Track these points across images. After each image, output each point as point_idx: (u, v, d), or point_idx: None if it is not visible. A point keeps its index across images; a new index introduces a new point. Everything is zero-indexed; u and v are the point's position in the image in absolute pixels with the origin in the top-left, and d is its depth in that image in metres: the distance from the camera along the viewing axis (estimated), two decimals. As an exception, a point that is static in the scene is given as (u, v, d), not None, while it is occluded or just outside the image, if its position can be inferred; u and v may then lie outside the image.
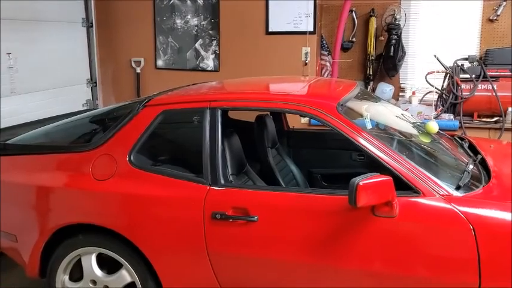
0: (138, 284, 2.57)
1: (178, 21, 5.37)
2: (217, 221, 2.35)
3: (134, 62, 5.56)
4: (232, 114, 3.52)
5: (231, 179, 2.57)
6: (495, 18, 5.16)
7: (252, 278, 2.42)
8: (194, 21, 5.32)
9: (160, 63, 5.51)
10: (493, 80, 4.80)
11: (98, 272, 2.65)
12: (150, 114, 2.60)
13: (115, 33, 5.56)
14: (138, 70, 5.55)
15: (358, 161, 3.54)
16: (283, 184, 2.97)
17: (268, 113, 3.27)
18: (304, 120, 4.77)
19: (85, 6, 5.26)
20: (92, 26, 5.31)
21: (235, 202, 2.36)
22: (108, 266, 2.67)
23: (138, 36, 5.50)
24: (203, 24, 5.29)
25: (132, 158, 2.55)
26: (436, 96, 5.08)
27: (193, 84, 3.24)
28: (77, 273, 2.73)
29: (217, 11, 5.20)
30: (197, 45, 5.34)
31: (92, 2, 5.26)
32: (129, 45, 5.55)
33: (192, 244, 2.42)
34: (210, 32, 5.28)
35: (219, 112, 2.50)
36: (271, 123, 3.21)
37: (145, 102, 2.68)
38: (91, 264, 2.64)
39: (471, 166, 2.46)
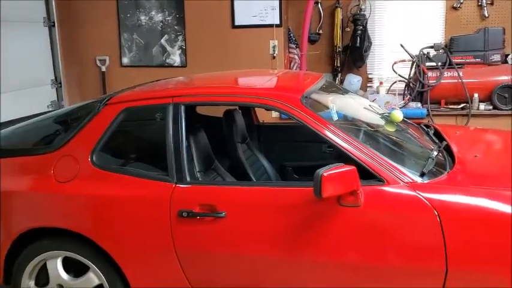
0: (106, 286, 2.52)
1: (142, 17, 5.29)
2: (184, 219, 2.32)
3: (99, 60, 5.46)
4: (202, 110, 3.48)
5: (198, 176, 2.54)
6: (459, 6, 5.25)
7: (223, 276, 2.39)
8: (159, 17, 5.25)
9: (125, 60, 5.43)
10: (458, 67, 4.88)
11: (64, 275, 2.58)
12: (111, 112, 2.55)
13: (78, 31, 5.44)
14: (104, 68, 5.45)
15: (328, 152, 3.55)
16: (254, 179, 2.95)
17: (237, 107, 3.24)
18: (276, 114, 4.76)
19: (46, 5, 5.12)
20: (54, 25, 5.17)
21: (202, 199, 2.33)
22: (75, 269, 2.60)
23: (102, 34, 5.40)
24: (168, 19, 5.22)
25: (94, 158, 2.50)
26: (403, 85, 5.14)
27: (157, 81, 3.18)
28: (43, 278, 2.65)
29: (181, 6, 5.14)
30: (163, 41, 5.27)
31: (53, 0, 5.11)
32: (93, 44, 5.45)
33: (159, 244, 2.38)
34: (176, 27, 5.21)
35: (182, 108, 2.46)
36: (240, 118, 3.18)
37: (106, 101, 2.62)
38: (57, 268, 2.57)
39: (435, 153, 2.49)
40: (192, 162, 2.52)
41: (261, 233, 2.28)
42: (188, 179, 2.38)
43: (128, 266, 2.46)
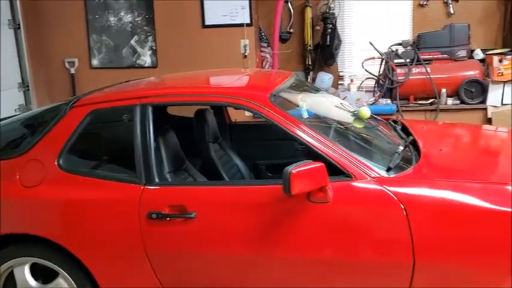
0: (77, 292, 2.48)
1: (111, 18, 5.24)
2: (153, 221, 2.30)
3: (68, 62, 5.38)
4: (173, 111, 3.46)
5: (168, 177, 2.52)
6: (425, 3, 5.35)
7: (195, 276, 2.38)
8: (128, 18, 5.20)
9: (95, 62, 5.35)
10: (426, 63, 4.99)
11: (33, 282, 2.53)
12: (78, 115, 2.51)
13: (46, 33, 5.35)
14: (73, 71, 5.37)
15: (300, 150, 3.57)
16: (226, 178, 2.94)
17: (209, 107, 3.24)
18: (249, 113, 4.76)
19: (10, 7, 5.00)
20: (19, 27, 5.06)
21: (172, 200, 2.32)
22: (44, 275, 2.55)
23: (70, 35, 5.33)
24: (137, 20, 5.18)
25: (61, 162, 2.46)
26: (373, 82, 5.22)
27: (126, 82, 3.15)
28: (10, 286, 2.60)
29: (151, 6, 5.12)
30: (133, 42, 5.23)
31: (18, 2, 5.00)
32: (62, 46, 5.37)
33: (129, 247, 2.36)
34: (145, 28, 5.18)
35: (150, 109, 2.44)
36: (212, 117, 3.17)
37: (73, 103, 2.58)
38: (24, 275, 2.52)
39: (401, 148, 2.53)
40: (161, 163, 2.51)
41: (232, 232, 2.28)
42: (157, 180, 2.36)
43: (98, 271, 2.43)
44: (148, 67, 5.24)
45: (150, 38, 5.19)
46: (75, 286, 2.48)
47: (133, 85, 2.95)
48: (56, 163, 2.45)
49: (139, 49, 5.23)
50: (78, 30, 5.31)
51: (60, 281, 2.49)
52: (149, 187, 2.34)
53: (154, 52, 5.21)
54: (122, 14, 5.20)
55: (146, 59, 5.24)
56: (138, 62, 5.27)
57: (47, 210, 2.45)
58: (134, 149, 2.39)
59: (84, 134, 2.51)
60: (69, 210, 2.42)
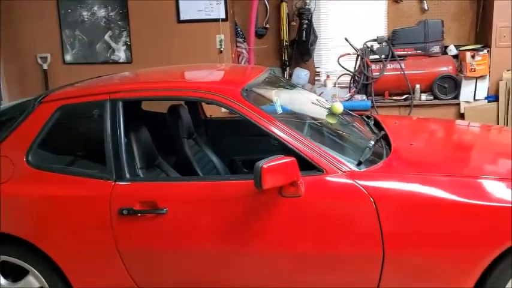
0: (47, 290, 2.45)
1: (84, 13, 5.15)
2: (124, 217, 2.28)
3: (40, 58, 5.27)
4: (148, 107, 3.43)
5: (140, 172, 2.50)
6: (400, -1, 5.40)
7: (167, 273, 2.37)
8: (101, 12, 5.12)
9: (68, 58, 5.27)
10: (400, 59, 5.04)
11: (2, 281, 2.49)
12: (47, 110, 2.47)
13: (16, 29, 5.23)
14: (45, 66, 5.27)
15: (277, 145, 3.58)
16: (201, 174, 2.93)
17: (183, 102, 3.21)
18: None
19: (-19, 2, 4.90)
20: (-11, 22, 4.95)
21: (143, 196, 2.30)
22: (14, 273, 2.51)
23: (42, 30, 5.22)
24: (111, 15, 5.11)
25: (30, 158, 2.42)
26: (349, 78, 5.25)
27: (97, 77, 3.10)
28: (-21, 285, 2.55)
29: (125, 1, 5.05)
30: (106, 37, 5.16)
31: (-13, -4, 4.90)
32: (33, 41, 5.25)
33: (100, 243, 2.34)
34: (119, 23, 5.11)
35: (120, 104, 2.41)
36: (186, 113, 3.15)
37: (41, 99, 2.53)
38: (-7, 274, 2.48)
39: (372, 142, 2.55)
40: (132, 159, 2.48)
41: (204, 228, 2.28)
42: (128, 176, 2.34)
43: (70, 268, 2.40)
44: (122, 63, 5.17)
45: (125, 33, 5.12)
46: (45, 283, 2.44)
47: (104, 80, 2.91)
48: (24, 160, 2.41)
49: (113, 44, 5.17)
50: (50, 25, 5.20)
51: (30, 279, 2.45)
52: (120, 183, 2.32)
53: (128, 47, 5.15)
54: (95, 8, 5.12)
55: (121, 55, 5.18)
56: (112, 57, 5.20)
57: (16, 207, 2.40)
58: (104, 144, 2.36)
59: (54, 130, 2.47)
60: (38, 208, 2.39)
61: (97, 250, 2.36)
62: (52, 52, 5.26)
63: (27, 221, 2.41)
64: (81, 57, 5.25)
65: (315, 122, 2.80)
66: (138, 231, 2.31)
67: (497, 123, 4.84)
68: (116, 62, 5.19)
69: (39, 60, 5.28)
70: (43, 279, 2.44)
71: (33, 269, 2.43)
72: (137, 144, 2.57)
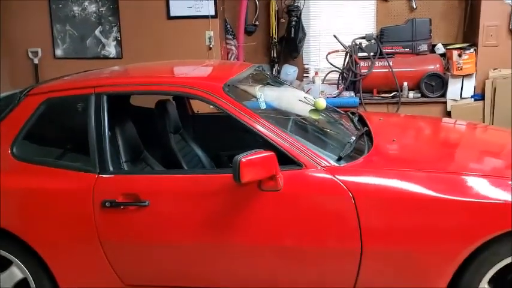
0: (31, 281, 2.47)
1: (75, 8, 5.16)
2: (107, 210, 2.31)
3: (31, 52, 5.28)
4: (137, 102, 3.45)
5: (124, 166, 2.53)
6: (389, -3, 5.44)
7: (149, 265, 2.40)
8: (92, 7, 5.14)
9: (59, 52, 5.28)
10: (388, 57, 5.08)
11: (-15, 272, 2.52)
12: (32, 103, 2.50)
13: (7, 23, 5.23)
14: (36, 61, 5.28)
15: (261, 141, 3.61)
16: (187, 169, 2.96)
17: (170, 98, 3.24)
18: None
19: (-31, -4, 4.89)
20: (-20, 16, 4.95)
21: (126, 188, 2.33)
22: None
23: (33, 25, 5.22)
24: (102, 10, 5.12)
25: (15, 150, 2.44)
26: (337, 75, 5.29)
27: (84, 71, 3.13)
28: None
29: (115, -4, 5.06)
30: (97, 32, 5.17)
31: (-23, -10, 4.90)
32: (24, 35, 5.26)
33: (83, 235, 2.37)
34: (110, 18, 5.12)
35: (105, 98, 2.44)
36: (173, 108, 3.18)
37: (27, 92, 2.56)
38: (-24, 265, 2.50)
39: (353, 138, 2.59)
40: (117, 153, 2.51)
41: (184, 220, 2.31)
42: (111, 168, 2.37)
43: (53, 259, 2.42)
44: (113, 58, 5.19)
45: (115, 29, 5.14)
46: (29, 275, 2.47)
47: (90, 74, 2.94)
48: (9, 152, 2.44)
49: (103, 40, 5.18)
50: (41, 20, 5.20)
51: (13, 269, 2.48)
52: (103, 175, 2.35)
53: (119, 43, 5.17)
54: (86, 3, 5.14)
55: (111, 50, 5.20)
56: (102, 52, 5.22)
57: (1, 199, 2.42)
58: (88, 137, 2.39)
59: (39, 123, 2.50)
60: (23, 199, 2.41)
61: (80, 242, 2.39)
62: (43, 47, 5.27)
63: (12, 212, 2.42)
64: (72, 52, 5.26)
65: (298, 117, 2.83)
66: (120, 223, 2.34)
67: (483, 122, 4.90)
68: (106, 57, 5.20)
69: (30, 55, 5.29)
70: (26, 270, 2.47)
71: (16, 260, 2.46)
72: (122, 138, 2.60)
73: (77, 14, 5.18)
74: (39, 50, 5.27)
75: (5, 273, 2.49)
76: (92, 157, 2.38)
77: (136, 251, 2.38)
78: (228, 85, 2.46)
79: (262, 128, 2.32)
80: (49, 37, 5.26)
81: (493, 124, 4.84)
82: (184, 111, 3.62)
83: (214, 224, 2.28)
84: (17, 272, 2.48)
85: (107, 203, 2.30)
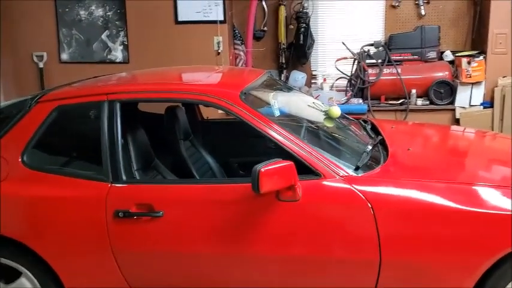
0: (40, 291, 2.43)
1: (82, 12, 5.13)
2: (120, 220, 2.27)
3: (36, 56, 5.24)
4: (145, 108, 3.41)
5: (136, 174, 2.48)
6: (397, 4, 5.41)
7: (163, 276, 2.36)
8: (99, 12, 5.11)
9: (64, 56, 5.24)
10: (397, 64, 5.05)
11: (-6, 282, 2.47)
12: (43, 110, 2.45)
13: (13, 26, 5.19)
14: (41, 65, 5.24)
15: (273, 148, 3.57)
16: (197, 176, 2.92)
17: (180, 104, 3.20)
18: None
19: (-24, -1, 4.86)
20: (-14, 20, 4.91)
21: (139, 198, 2.29)
22: (7, 275, 2.48)
23: (39, 29, 5.18)
24: (109, 14, 5.09)
25: (25, 158, 2.40)
26: (345, 81, 5.26)
27: (95, 77, 3.09)
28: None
29: (123, 1, 5.03)
30: (104, 36, 5.14)
31: (-16, -6, 4.87)
32: (30, 39, 5.22)
33: (95, 245, 2.33)
34: (117, 22, 5.09)
35: (118, 105, 2.40)
36: (183, 114, 3.14)
37: (38, 98, 2.52)
38: (-15, 275, 2.46)
39: (370, 147, 2.55)
40: (129, 161, 2.47)
41: (200, 231, 2.27)
42: (124, 178, 2.33)
43: (64, 270, 2.38)
44: (119, 62, 5.15)
45: (122, 33, 5.11)
46: (38, 286, 2.42)
47: (101, 81, 2.89)
48: (20, 160, 2.40)
49: (110, 44, 5.15)
50: (47, 24, 5.17)
51: (23, 280, 2.43)
52: (116, 185, 2.31)
53: (126, 47, 5.13)
54: (93, 8, 5.11)
55: (118, 54, 5.16)
56: (109, 57, 5.18)
57: (11, 208, 2.37)
58: (101, 146, 2.35)
59: (50, 130, 2.46)
60: (33, 208, 2.37)
61: (91, 252, 2.35)
62: (48, 50, 5.23)
63: (22, 222, 2.39)
64: (78, 56, 5.23)
65: (313, 125, 2.80)
66: (133, 233, 2.30)
67: (492, 130, 4.86)
68: (113, 62, 5.17)
69: (35, 59, 5.25)
70: (36, 281, 2.42)
71: (26, 270, 2.42)
72: (134, 146, 2.56)
73: (83, 18, 5.15)
74: (45, 54, 5.23)
75: (15, 284, 2.44)
76: (105, 166, 2.33)
77: (150, 262, 2.33)
78: (245, 93, 2.43)
79: (279, 136, 2.29)
80: (55, 41, 5.22)
81: (502, 132, 4.81)
82: (194, 117, 3.58)
83: (231, 234, 2.24)
84: (26, 283, 2.43)
85: (120, 213, 2.26)
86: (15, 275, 2.45)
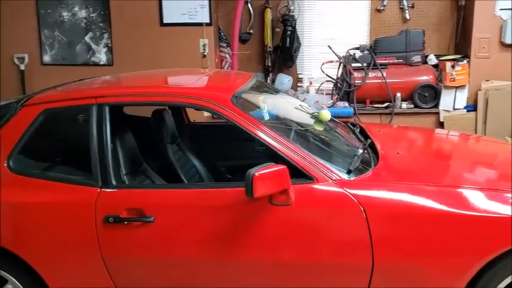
0: (27, 300, 2.36)
1: (64, 13, 5.05)
2: (110, 225, 2.22)
3: (17, 58, 5.14)
4: (130, 111, 3.36)
5: (125, 179, 2.44)
6: (382, 8, 5.46)
7: (154, 282, 2.32)
8: (82, 13, 5.03)
9: (47, 58, 5.15)
10: (382, 68, 5.09)
11: (-21, 290, 2.40)
12: (30, 114, 2.40)
13: (-7, 28, 5.09)
14: (22, 67, 5.14)
15: (261, 151, 3.56)
16: (185, 180, 2.89)
17: (167, 107, 3.16)
18: (208, 113, 4.71)
19: (-44, -2, 4.74)
20: (-36, 21, 4.80)
21: (129, 203, 2.25)
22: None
23: (20, 30, 5.09)
24: (92, 16, 5.02)
25: (11, 163, 2.34)
26: (331, 85, 5.28)
27: (79, 80, 3.03)
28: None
29: (107, 2, 4.97)
30: (87, 38, 5.06)
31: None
32: (10, 41, 5.11)
33: (85, 252, 2.28)
34: (101, 24, 5.03)
35: (107, 109, 2.35)
36: (170, 117, 3.11)
37: (24, 102, 2.46)
38: (-31, 284, 2.38)
39: (360, 151, 2.56)
40: (118, 165, 2.42)
41: (192, 236, 2.24)
42: (114, 182, 2.29)
43: (52, 278, 2.33)
44: (103, 65, 5.09)
45: (106, 35, 5.04)
46: (24, 294, 2.36)
47: (88, 84, 2.84)
48: (5, 164, 2.34)
49: (94, 46, 5.08)
50: (28, 25, 5.08)
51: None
52: (106, 190, 2.27)
53: (110, 49, 5.06)
54: (76, 9, 5.03)
55: (101, 57, 5.09)
56: (92, 59, 5.11)
57: (-4, 215, 2.31)
58: (90, 150, 2.31)
59: (37, 134, 2.40)
60: (20, 214, 2.31)
61: (81, 258, 2.30)
62: (30, 52, 5.13)
63: (8, 228, 2.32)
64: (60, 58, 5.15)
65: (303, 129, 2.80)
66: (124, 239, 2.26)
67: (476, 133, 4.93)
68: (97, 64, 5.10)
69: (16, 61, 5.14)
70: (22, 289, 2.36)
71: (12, 278, 2.36)
72: (123, 150, 2.51)
73: (66, 20, 5.07)
74: (26, 56, 5.14)
75: (0, 292, 2.38)
76: (94, 170, 2.29)
77: (140, 267, 2.30)
78: (236, 96, 2.41)
79: (272, 140, 2.27)
80: (36, 43, 5.13)
81: (485, 135, 4.88)
82: (181, 120, 3.55)
83: (223, 239, 2.22)
84: (12, 291, 2.37)
85: (110, 219, 2.22)
86: (0, 283, 2.38)
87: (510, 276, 2.14)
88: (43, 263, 2.31)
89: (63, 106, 2.43)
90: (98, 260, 2.26)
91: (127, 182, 2.43)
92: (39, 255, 2.30)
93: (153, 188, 2.48)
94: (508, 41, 4.90)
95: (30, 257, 2.30)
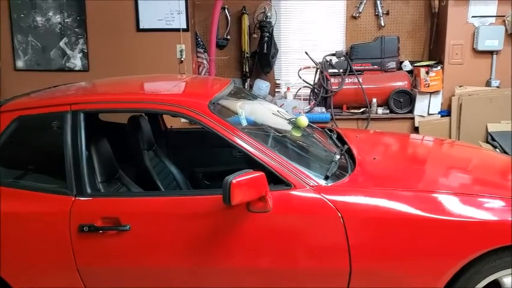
0: (-1, 313, 2.30)
1: (38, 18, 4.96)
2: (85, 234, 2.18)
3: (-11, 63, 5.02)
4: (105, 117, 3.31)
5: (100, 187, 2.40)
6: (357, 15, 5.53)
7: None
8: (57, 18, 4.95)
9: (20, 64, 5.05)
10: (358, 74, 5.14)
11: None
12: (3, 121, 2.34)
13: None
14: (-5, 72, 5.03)
15: (239, 157, 3.55)
16: (161, 187, 2.86)
17: (143, 113, 3.13)
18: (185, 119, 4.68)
19: None
20: None
21: (105, 212, 2.22)
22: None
23: (-8, 35, 4.98)
24: (67, 21, 4.95)
25: (-18, 172, 2.27)
26: (309, 90, 5.31)
27: (54, 87, 2.97)
28: None
29: (83, 7, 4.91)
30: (62, 44, 4.98)
31: None
32: (-18, 46, 5.00)
33: (59, 262, 2.23)
34: (76, 29, 4.95)
35: (82, 116, 2.32)
36: (146, 124, 3.07)
37: (-4, 109, 2.40)
38: None
39: (338, 156, 2.57)
40: (93, 173, 2.38)
41: (169, 244, 2.22)
42: (89, 191, 2.25)
43: (24, 289, 2.27)
44: (78, 70, 5.02)
45: (81, 41, 4.97)
46: (-4, 307, 2.30)
47: (63, 90, 2.79)
48: (-24, 173, 2.27)
49: (68, 51, 5.00)
50: (1, 30, 4.97)
51: (-21, 302, 2.30)
52: (80, 198, 2.23)
53: (85, 55, 5.00)
54: (51, 14, 4.95)
55: (76, 62, 5.02)
56: (67, 65, 5.03)
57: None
58: (64, 158, 2.26)
59: (9, 142, 2.35)
60: (-9, 225, 2.24)
61: (55, 270, 2.25)
62: (2, 58, 5.03)
63: (-22, 239, 2.26)
64: (34, 63, 5.05)
65: (281, 135, 2.80)
66: (99, 248, 2.22)
67: (450, 137, 5.03)
68: (72, 70, 5.02)
69: (-12, 66, 5.04)
70: (-6, 303, 2.30)
71: (-17, 290, 2.29)
72: (98, 157, 2.47)
73: (40, 25, 4.98)
74: (-2, 61, 5.03)
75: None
76: (68, 178, 2.25)
77: (116, 277, 2.26)
78: (213, 103, 2.40)
79: (250, 147, 2.27)
80: (9, 48, 5.03)
81: (459, 139, 4.98)
82: (157, 126, 3.51)
83: (201, 247, 2.20)
84: (-17, 305, 2.30)
85: (84, 228, 2.18)
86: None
87: (488, 278, 2.18)
88: (15, 274, 2.25)
89: (37, 113, 2.38)
90: (73, 270, 2.22)
91: (102, 190, 2.39)
92: (11, 266, 2.24)
93: (129, 196, 2.44)
94: (480, 47, 5.02)
95: (2, 270, 2.24)
